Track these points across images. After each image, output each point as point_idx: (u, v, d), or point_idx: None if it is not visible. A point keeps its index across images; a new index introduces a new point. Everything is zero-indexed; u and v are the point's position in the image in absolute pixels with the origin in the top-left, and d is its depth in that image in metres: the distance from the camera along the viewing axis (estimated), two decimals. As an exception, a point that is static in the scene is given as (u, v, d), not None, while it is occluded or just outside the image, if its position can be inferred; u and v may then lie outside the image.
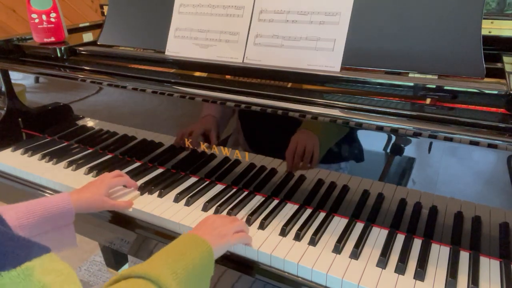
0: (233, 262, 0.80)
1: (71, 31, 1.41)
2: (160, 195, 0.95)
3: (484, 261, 0.74)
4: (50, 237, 0.79)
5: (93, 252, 1.91)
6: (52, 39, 1.21)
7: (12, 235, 0.46)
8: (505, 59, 0.87)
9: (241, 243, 0.79)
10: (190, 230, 0.76)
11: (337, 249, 0.77)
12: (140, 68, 1.07)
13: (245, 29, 0.95)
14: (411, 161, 0.75)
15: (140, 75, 1.01)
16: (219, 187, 0.99)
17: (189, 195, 0.94)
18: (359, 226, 0.84)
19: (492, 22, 0.94)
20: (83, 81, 1.08)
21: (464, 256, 0.75)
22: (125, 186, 0.99)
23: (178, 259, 0.64)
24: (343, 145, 0.81)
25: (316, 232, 0.81)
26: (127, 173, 1.05)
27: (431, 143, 0.72)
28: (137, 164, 1.12)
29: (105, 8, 1.39)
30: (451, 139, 0.69)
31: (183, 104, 0.97)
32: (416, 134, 0.72)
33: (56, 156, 1.14)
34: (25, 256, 0.45)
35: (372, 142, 0.78)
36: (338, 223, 0.86)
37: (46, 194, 1.05)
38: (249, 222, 0.85)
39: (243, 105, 0.87)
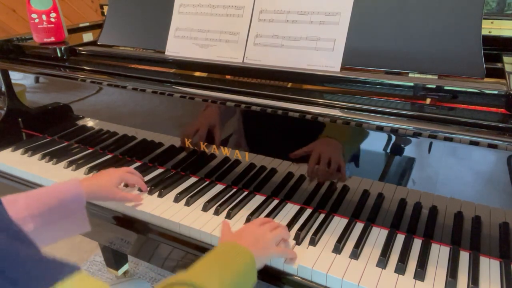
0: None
1: (71, 31, 1.41)
2: (160, 195, 0.95)
3: (484, 261, 0.74)
4: (62, 224, 0.79)
5: (93, 252, 1.91)
6: (52, 39, 1.21)
7: (40, 256, 0.43)
8: (505, 59, 0.87)
9: (281, 257, 0.75)
10: (229, 238, 0.73)
11: (337, 249, 0.77)
12: (140, 68, 1.07)
13: (245, 29, 0.95)
14: (411, 161, 0.75)
15: (140, 75, 1.01)
16: (219, 187, 0.99)
17: (189, 195, 0.94)
18: (359, 226, 0.84)
19: (492, 22, 0.94)
20: (83, 81, 1.08)
21: (464, 256, 0.75)
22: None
23: (223, 267, 0.62)
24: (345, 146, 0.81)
25: (316, 232, 0.81)
26: (127, 173, 1.05)
27: (431, 143, 0.72)
28: (137, 164, 1.12)
29: (105, 8, 1.39)
30: (451, 139, 0.69)
31: (183, 104, 0.97)
32: (416, 134, 0.72)
33: (56, 156, 1.14)
34: (56, 276, 0.42)
35: (372, 142, 0.78)
36: (338, 223, 0.86)
37: (46, 194, 1.05)
38: (248, 222, 0.85)
39: (243, 105, 0.87)
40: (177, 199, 0.93)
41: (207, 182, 1.01)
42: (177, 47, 1.04)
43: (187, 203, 0.92)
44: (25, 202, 0.74)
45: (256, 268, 0.67)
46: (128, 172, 0.96)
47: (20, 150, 1.19)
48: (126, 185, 0.99)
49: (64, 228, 0.80)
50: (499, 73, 0.81)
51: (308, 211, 0.89)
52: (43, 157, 1.15)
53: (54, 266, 0.43)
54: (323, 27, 0.87)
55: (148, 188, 0.98)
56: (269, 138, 0.90)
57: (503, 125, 0.66)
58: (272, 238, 0.73)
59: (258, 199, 0.94)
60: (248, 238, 0.71)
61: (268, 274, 0.77)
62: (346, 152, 0.82)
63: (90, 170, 1.07)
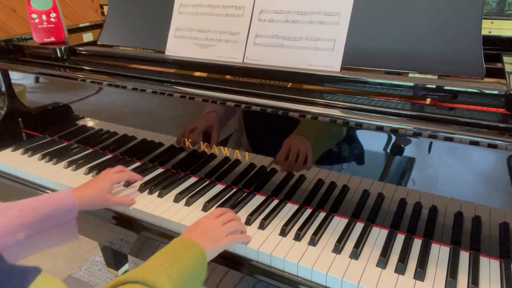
0: (234, 263, 0.80)
1: (71, 31, 1.41)
2: (160, 195, 0.95)
3: (484, 261, 0.74)
4: (52, 233, 0.79)
5: (93, 252, 1.91)
6: (52, 39, 1.21)
7: (5, 265, 0.45)
8: (505, 59, 0.87)
9: (234, 244, 0.79)
10: (182, 233, 0.77)
11: (337, 249, 0.77)
12: (140, 68, 1.07)
13: (245, 29, 0.95)
14: (411, 161, 0.75)
15: (140, 75, 1.01)
16: (219, 187, 0.99)
17: (189, 195, 0.94)
18: (359, 226, 0.84)
19: (492, 22, 0.94)
20: (83, 81, 1.08)
21: (464, 256, 0.75)
22: (126, 183, 1.00)
23: (173, 263, 0.65)
24: (344, 146, 0.81)
25: (316, 232, 0.81)
26: (127, 173, 1.05)
27: (431, 143, 0.72)
28: (137, 164, 1.12)
29: (105, 8, 1.39)
30: (451, 139, 0.69)
31: (183, 104, 0.97)
32: (416, 134, 0.72)
33: (56, 156, 1.14)
34: (22, 284, 0.44)
35: (372, 142, 0.78)
36: (338, 223, 0.86)
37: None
38: (249, 222, 0.85)
39: (243, 105, 0.87)
40: (177, 199, 0.93)
41: (207, 182, 1.01)
42: (177, 47, 1.04)
43: (187, 203, 0.92)
44: (19, 210, 0.74)
45: (206, 262, 0.71)
46: (117, 173, 0.95)
47: (20, 150, 1.19)
48: (128, 184, 1.00)
49: (53, 238, 0.80)
50: (499, 73, 0.81)
51: (308, 211, 0.89)
52: (43, 157, 1.15)
53: (18, 275, 0.45)
54: (323, 27, 0.87)
55: (144, 179, 0.99)
56: (269, 138, 0.90)
57: (503, 125, 0.66)
58: (223, 231, 0.77)
59: (258, 199, 0.94)
60: (198, 232, 0.75)
61: (267, 273, 0.77)
62: (346, 152, 0.82)
63: (90, 170, 1.07)
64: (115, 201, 0.91)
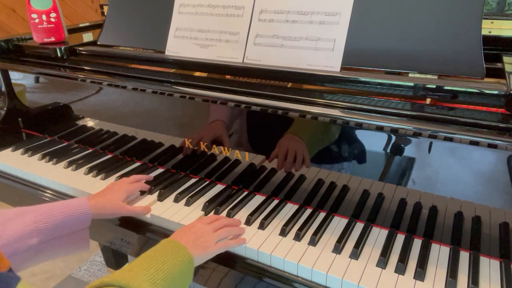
0: (234, 263, 0.80)
1: (71, 31, 1.41)
2: (160, 195, 0.95)
3: (484, 261, 0.74)
4: (64, 241, 0.79)
5: (93, 252, 1.91)
6: (52, 39, 1.21)
7: None
8: (505, 59, 0.87)
9: (223, 251, 0.79)
10: (173, 234, 0.76)
11: (337, 249, 0.77)
12: (140, 68, 1.07)
13: (245, 29, 0.95)
14: (411, 161, 0.75)
15: (140, 75, 1.01)
16: (219, 187, 0.99)
17: (189, 195, 0.94)
18: (359, 226, 0.84)
19: (492, 22, 0.94)
20: (83, 81, 1.08)
21: (464, 256, 0.75)
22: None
23: (159, 268, 0.64)
24: (344, 146, 0.81)
25: (316, 232, 0.81)
26: (127, 173, 1.05)
27: (431, 143, 0.72)
28: (137, 164, 1.12)
29: (105, 8, 1.39)
30: (451, 139, 0.69)
31: (183, 104, 0.97)
32: (416, 134, 0.72)
33: (56, 156, 1.14)
34: None
35: (372, 142, 0.78)
36: (338, 223, 0.86)
37: (46, 194, 1.05)
38: (249, 222, 0.85)
39: (243, 105, 0.87)
40: (177, 199, 0.93)
41: (207, 182, 1.01)
42: (177, 47, 1.04)
43: (187, 203, 0.92)
44: (34, 215, 0.74)
45: (193, 267, 0.70)
46: (132, 183, 0.95)
47: (20, 150, 1.19)
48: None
49: (64, 247, 0.80)
50: (499, 73, 0.81)
51: (308, 211, 0.89)
52: (43, 157, 1.15)
53: (4, 281, 0.46)
54: (323, 27, 0.87)
55: (148, 186, 0.98)
56: (269, 138, 0.90)
57: (503, 125, 0.66)
58: (214, 238, 0.77)
59: (258, 199, 0.94)
60: (189, 236, 0.75)
61: (268, 273, 0.77)
62: (345, 152, 0.82)
63: (90, 170, 1.07)
64: (130, 209, 0.89)
